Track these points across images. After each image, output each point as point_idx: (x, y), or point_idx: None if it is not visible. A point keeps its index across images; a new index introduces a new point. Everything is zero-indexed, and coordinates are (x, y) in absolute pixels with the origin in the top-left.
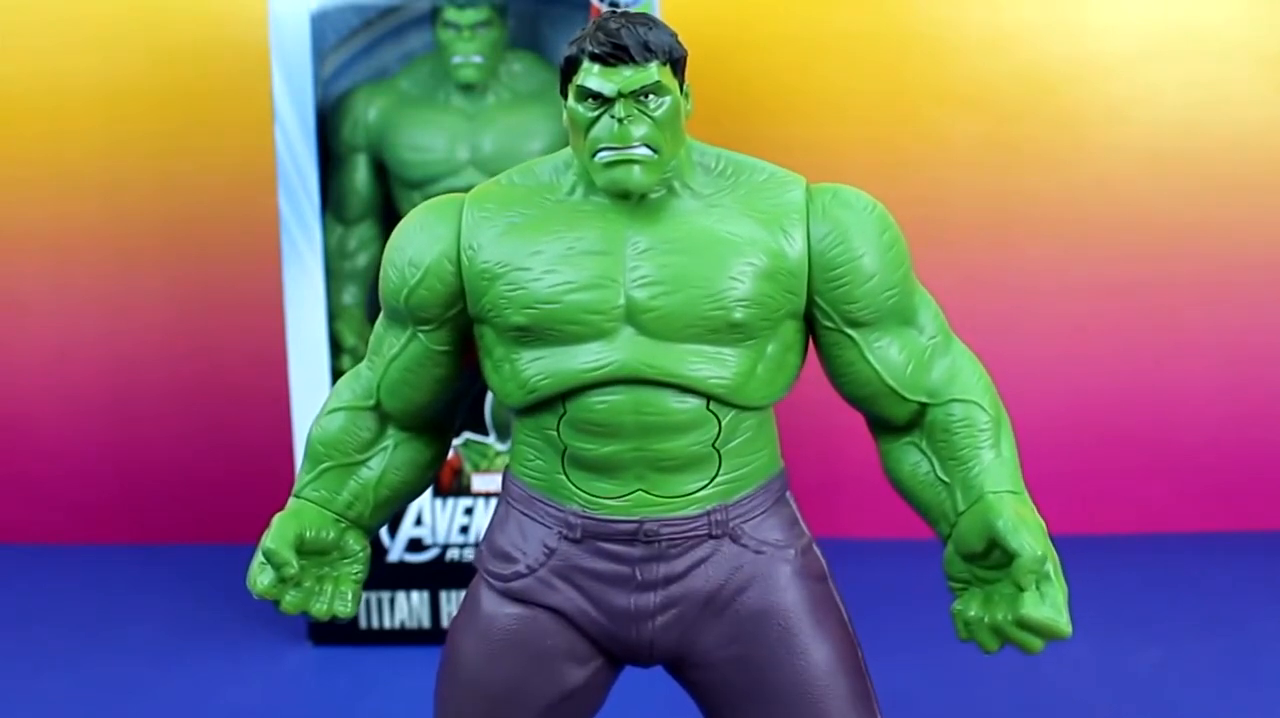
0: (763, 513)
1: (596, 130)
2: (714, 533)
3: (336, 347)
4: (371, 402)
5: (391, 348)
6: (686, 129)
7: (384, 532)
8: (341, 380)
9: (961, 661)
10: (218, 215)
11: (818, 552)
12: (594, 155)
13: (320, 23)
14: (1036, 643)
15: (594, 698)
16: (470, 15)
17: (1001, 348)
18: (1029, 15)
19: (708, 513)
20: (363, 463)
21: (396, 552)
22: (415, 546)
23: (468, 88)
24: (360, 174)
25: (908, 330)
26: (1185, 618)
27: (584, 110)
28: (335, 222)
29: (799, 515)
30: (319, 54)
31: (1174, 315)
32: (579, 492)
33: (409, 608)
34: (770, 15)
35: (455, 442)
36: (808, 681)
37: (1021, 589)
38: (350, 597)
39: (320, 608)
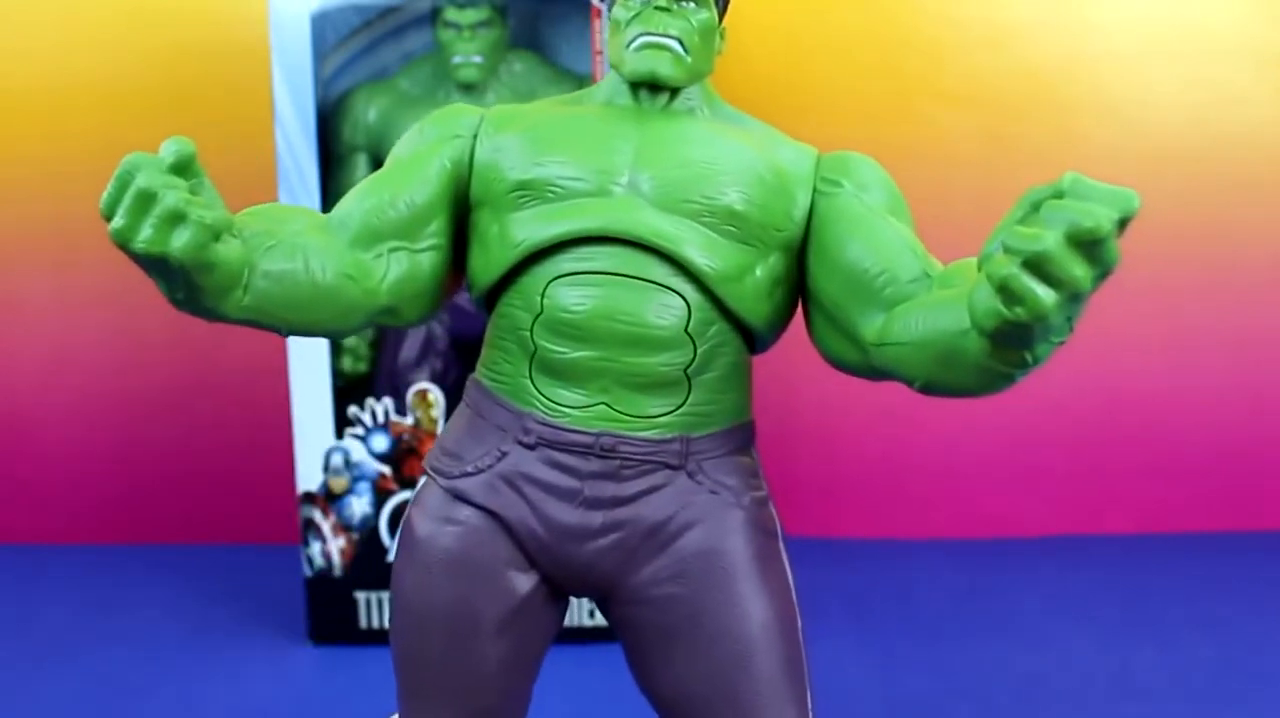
0: (724, 454)
1: (634, 22)
2: (671, 463)
3: (337, 346)
4: (327, 216)
5: (381, 173)
6: (714, 58)
7: (384, 532)
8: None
9: (961, 660)
10: None
11: (773, 510)
12: (629, 44)
13: (320, 23)
14: (1097, 211)
15: (544, 623)
16: (470, 15)
17: None
18: (1028, 13)
19: (667, 441)
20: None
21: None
22: None
23: (468, 88)
24: (360, 174)
25: (912, 237)
26: (1185, 618)
27: (626, 10)
28: None
29: (760, 470)
30: (319, 54)
31: (1174, 315)
32: (541, 396)
33: None
34: (767, 14)
35: None
36: (742, 635)
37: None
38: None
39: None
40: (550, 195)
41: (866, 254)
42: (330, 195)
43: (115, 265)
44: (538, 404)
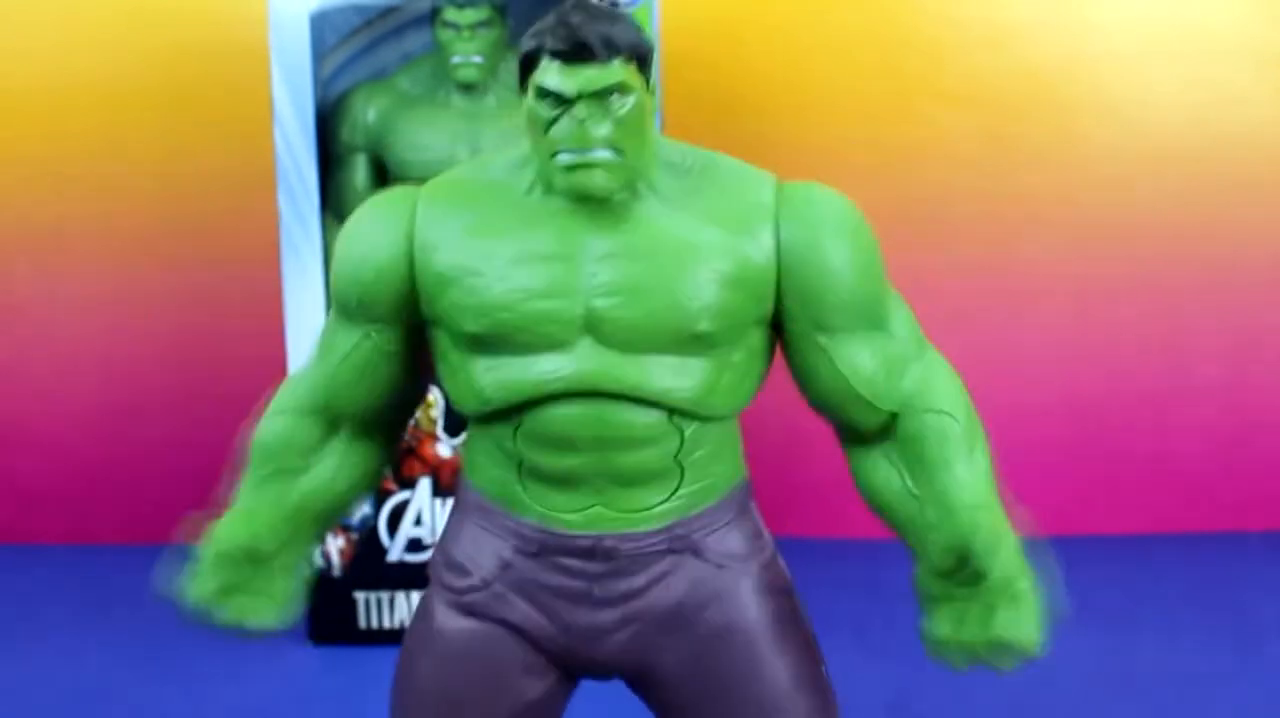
0: (725, 525)
1: (556, 131)
2: (674, 548)
3: None
4: (318, 403)
5: (342, 347)
6: (651, 128)
7: (384, 532)
8: (284, 383)
9: None
10: (218, 215)
11: (781, 564)
12: (553, 157)
13: (320, 23)
14: (1008, 662)
15: (553, 710)
16: (470, 15)
17: (1000, 347)
18: (1028, 13)
19: (668, 528)
20: (306, 469)
21: (396, 552)
22: (415, 546)
23: (468, 87)
24: (360, 174)
25: (879, 336)
26: (1185, 618)
27: (543, 110)
28: (335, 222)
29: (762, 527)
30: (319, 54)
31: (1174, 315)
32: (536, 505)
33: (409, 608)
34: (767, 13)
35: (455, 441)
36: (769, 698)
37: (993, 609)
38: (285, 610)
39: (257, 620)
40: (507, 347)
41: (824, 397)
42: (329, 195)
43: (115, 265)
44: (533, 512)
